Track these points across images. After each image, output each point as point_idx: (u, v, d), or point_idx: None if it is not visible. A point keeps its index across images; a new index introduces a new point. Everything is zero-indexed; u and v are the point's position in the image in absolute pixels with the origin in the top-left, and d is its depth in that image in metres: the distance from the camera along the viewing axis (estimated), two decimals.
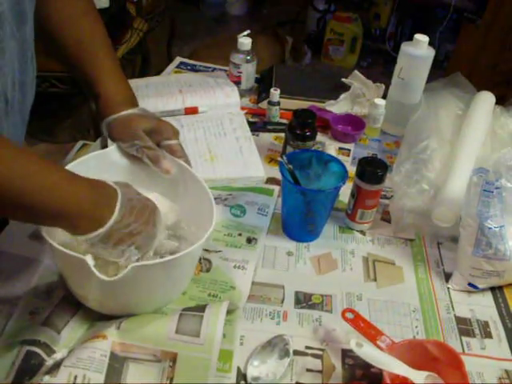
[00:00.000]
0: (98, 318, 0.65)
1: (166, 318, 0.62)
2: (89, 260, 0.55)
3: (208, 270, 0.74)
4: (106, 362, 0.58)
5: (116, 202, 0.57)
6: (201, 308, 0.63)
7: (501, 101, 1.01)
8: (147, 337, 0.61)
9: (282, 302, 0.72)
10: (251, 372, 0.62)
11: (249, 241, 0.80)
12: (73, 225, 0.55)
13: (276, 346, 0.65)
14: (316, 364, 0.65)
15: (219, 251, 0.77)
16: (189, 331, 0.60)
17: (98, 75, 0.74)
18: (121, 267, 0.60)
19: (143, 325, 0.62)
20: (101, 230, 0.55)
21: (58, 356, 0.60)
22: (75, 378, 0.56)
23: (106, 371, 0.58)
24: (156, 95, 1.08)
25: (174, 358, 0.59)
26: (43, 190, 0.51)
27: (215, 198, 0.86)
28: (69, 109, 2.16)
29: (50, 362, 0.60)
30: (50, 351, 0.61)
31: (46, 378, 0.56)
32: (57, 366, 0.58)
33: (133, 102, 0.76)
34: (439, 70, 2.07)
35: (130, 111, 0.73)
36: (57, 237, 0.63)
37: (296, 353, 0.65)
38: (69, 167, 0.65)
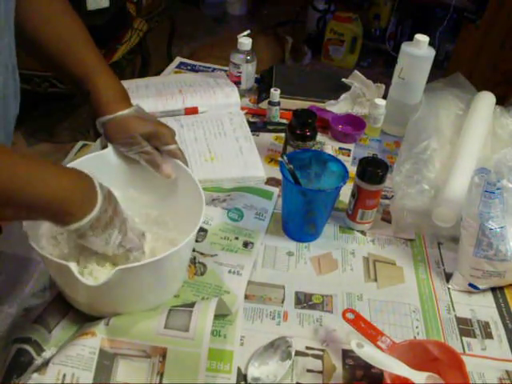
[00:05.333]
0: (88, 320, 0.64)
1: (155, 314, 0.62)
2: (72, 266, 0.55)
3: (202, 274, 0.74)
4: (94, 360, 0.58)
5: (94, 184, 0.56)
6: (190, 304, 0.63)
7: (501, 101, 1.01)
8: (136, 332, 0.60)
9: (283, 302, 0.72)
10: (252, 372, 0.62)
11: (245, 245, 0.80)
12: (65, 212, 0.53)
13: (278, 347, 0.64)
14: (316, 364, 0.65)
15: (215, 255, 0.77)
16: (178, 326, 0.60)
17: (84, 72, 0.72)
18: (112, 265, 0.60)
19: (132, 321, 0.61)
20: (93, 214, 0.54)
21: (47, 355, 0.60)
22: (64, 376, 0.56)
23: (95, 369, 0.57)
24: (156, 95, 1.08)
25: (163, 354, 0.59)
26: (32, 183, 0.50)
27: (213, 200, 0.87)
28: (69, 109, 2.16)
29: (39, 361, 0.59)
30: (40, 350, 0.60)
31: (35, 376, 0.56)
32: (45, 363, 0.57)
33: (126, 99, 0.74)
34: (439, 70, 2.07)
35: (125, 112, 0.71)
36: (43, 243, 0.64)
37: (296, 353, 0.65)
38: None
